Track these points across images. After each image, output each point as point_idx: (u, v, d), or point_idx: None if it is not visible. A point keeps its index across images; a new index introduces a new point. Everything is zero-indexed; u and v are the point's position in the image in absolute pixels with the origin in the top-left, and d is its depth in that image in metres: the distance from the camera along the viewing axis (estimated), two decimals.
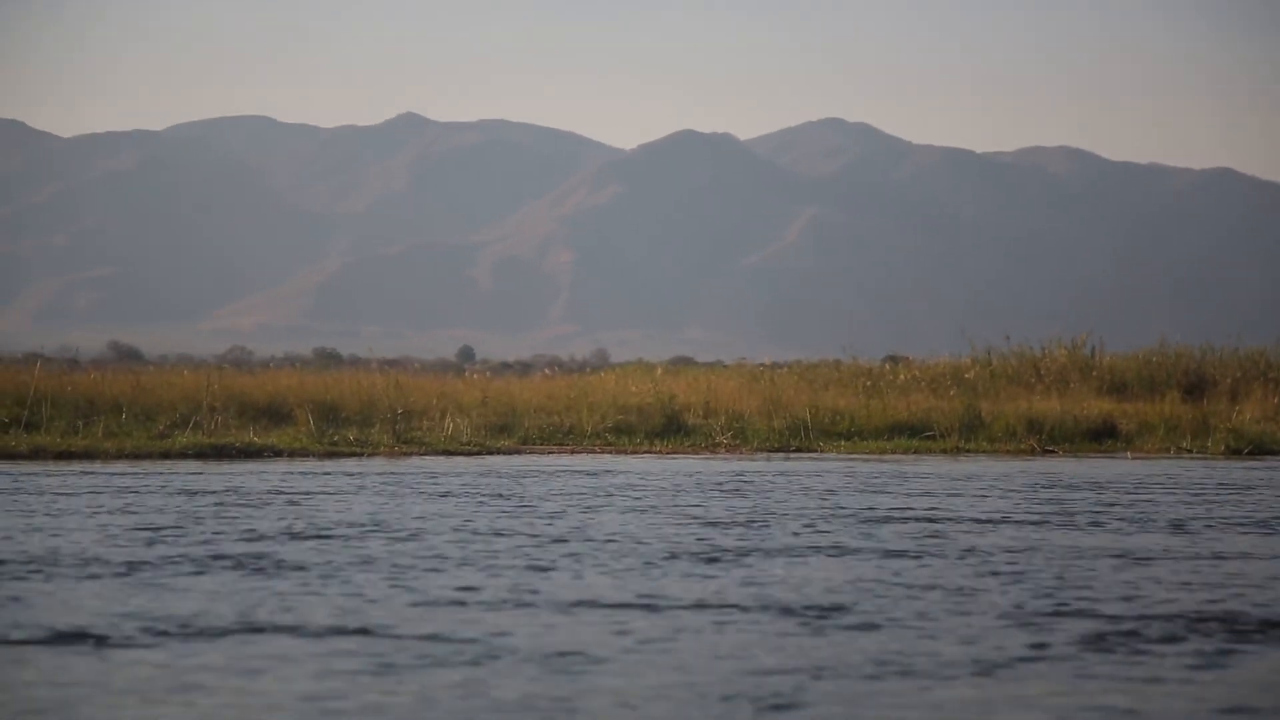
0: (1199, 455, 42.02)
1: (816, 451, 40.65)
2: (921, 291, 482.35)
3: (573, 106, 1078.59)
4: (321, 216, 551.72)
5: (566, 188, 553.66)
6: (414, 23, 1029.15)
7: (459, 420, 39.10)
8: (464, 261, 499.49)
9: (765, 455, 39.12)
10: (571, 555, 16.87)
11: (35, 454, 32.38)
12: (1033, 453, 41.64)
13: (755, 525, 20.37)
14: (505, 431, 40.12)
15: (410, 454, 34.32)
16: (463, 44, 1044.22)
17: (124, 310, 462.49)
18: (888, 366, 63.47)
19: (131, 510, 21.32)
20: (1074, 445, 43.43)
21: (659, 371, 73.58)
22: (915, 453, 40.90)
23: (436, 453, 34.92)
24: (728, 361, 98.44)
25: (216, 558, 16.35)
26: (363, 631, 12.05)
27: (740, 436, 42.16)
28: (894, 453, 40.71)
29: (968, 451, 41.36)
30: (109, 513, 20.95)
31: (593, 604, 13.46)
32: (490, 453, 35.89)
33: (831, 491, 26.29)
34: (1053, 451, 42.18)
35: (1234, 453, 42.58)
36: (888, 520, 21.34)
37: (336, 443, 34.58)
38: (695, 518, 21.29)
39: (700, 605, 13.45)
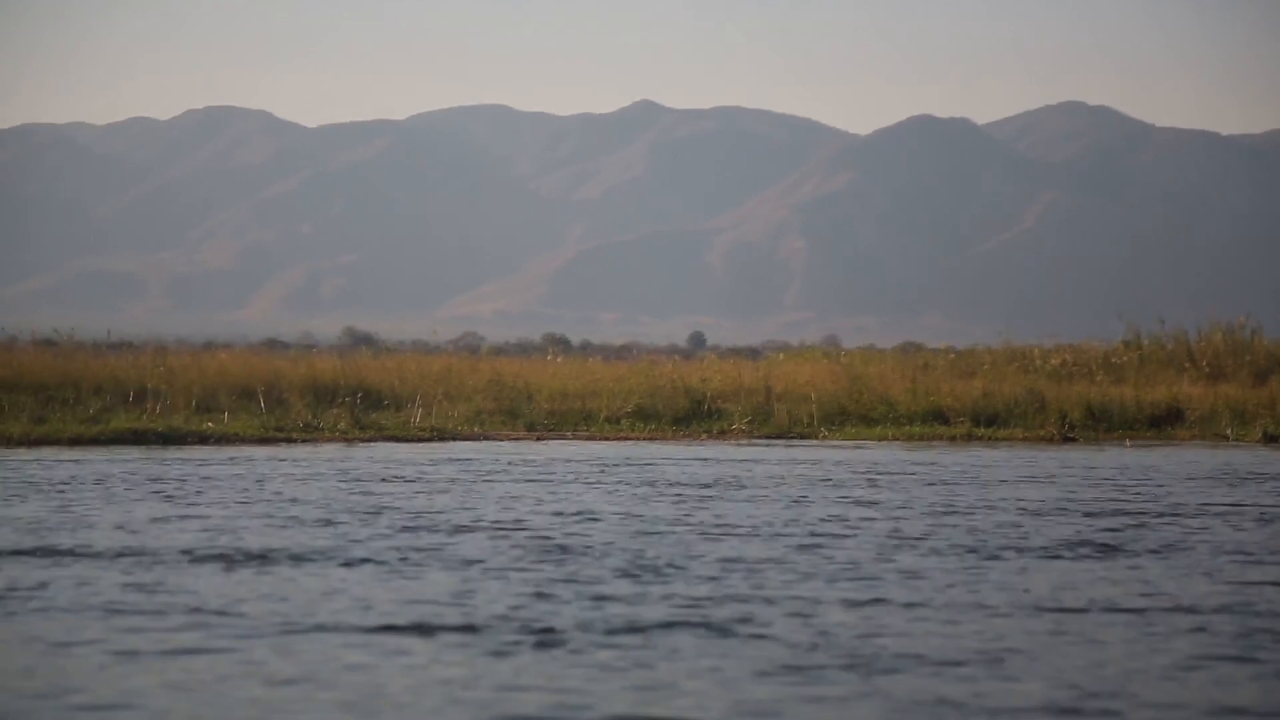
0: (1236, 443, 41.00)
1: (816, 439, 40.25)
2: (1164, 278, 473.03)
3: (807, 92, 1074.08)
4: (558, 204, 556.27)
5: (800, 174, 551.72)
6: (650, 10, 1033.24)
7: (462, 405, 39.19)
8: (699, 248, 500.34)
9: (760, 442, 38.80)
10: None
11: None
12: (1052, 440, 40.85)
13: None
14: (513, 416, 40.14)
15: (362, 440, 34.14)
16: (699, 30, 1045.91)
17: (365, 297, 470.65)
18: (1037, 351, 62.66)
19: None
20: (1104, 432, 42.50)
21: (780, 357, 73.19)
22: (921, 439, 40.35)
23: (391, 439, 34.77)
24: (959, 347, 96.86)
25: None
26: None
27: (756, 423, 41.88)
28: (894, 440, 40.19)
29: (980, 439, 40.65)
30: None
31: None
32: (446, 439, 35.68)
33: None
34: (1073, 439, 41.34)
35: (1270, 440, 41.46)
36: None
37: (281, 428, 34.19)
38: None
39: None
